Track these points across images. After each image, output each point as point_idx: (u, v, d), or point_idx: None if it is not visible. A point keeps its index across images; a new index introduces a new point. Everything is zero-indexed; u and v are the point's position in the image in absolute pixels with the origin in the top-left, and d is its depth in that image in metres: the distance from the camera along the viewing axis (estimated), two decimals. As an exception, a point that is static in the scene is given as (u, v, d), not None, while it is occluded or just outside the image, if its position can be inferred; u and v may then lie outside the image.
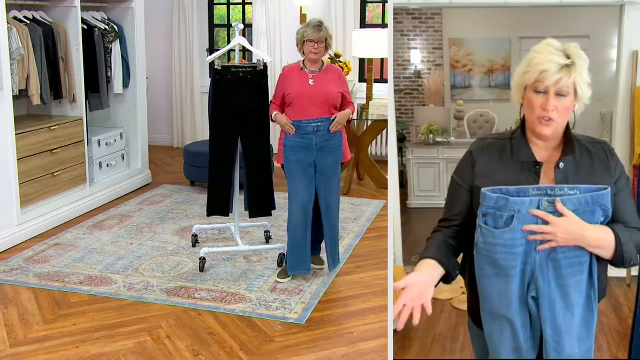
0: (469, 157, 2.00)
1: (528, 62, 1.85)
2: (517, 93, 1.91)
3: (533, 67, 1.83)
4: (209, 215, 4.58)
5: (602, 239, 1.82)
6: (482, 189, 1.85)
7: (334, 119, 4.03)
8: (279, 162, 4.19)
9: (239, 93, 4.32)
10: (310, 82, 4.04)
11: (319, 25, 4.01)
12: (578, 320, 1.85)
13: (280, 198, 5.24)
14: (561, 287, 1.83)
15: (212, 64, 4.40)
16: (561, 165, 1.86)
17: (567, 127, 1.89)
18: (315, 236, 4.25)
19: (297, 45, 4.10)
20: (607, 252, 1.83)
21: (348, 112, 4.11)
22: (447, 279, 1.96)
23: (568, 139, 1.89)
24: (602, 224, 1.84)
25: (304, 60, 4.11)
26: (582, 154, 1.89)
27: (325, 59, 4.23)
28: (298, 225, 4.11)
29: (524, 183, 1.86)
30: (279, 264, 4.45)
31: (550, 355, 1.86)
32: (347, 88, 4.19)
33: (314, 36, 3.98)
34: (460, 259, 2.06)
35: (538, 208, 1.81)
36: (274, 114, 4.11)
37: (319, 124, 4.01)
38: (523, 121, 1.92)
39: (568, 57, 1.81)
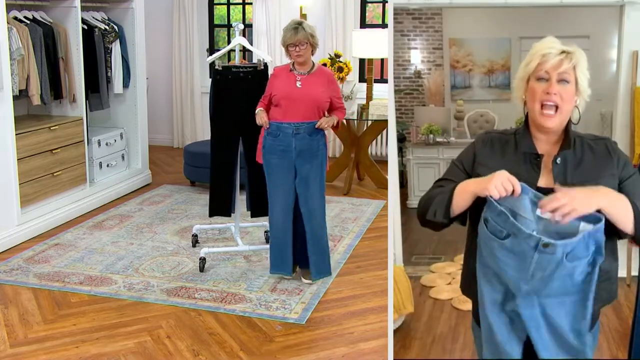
0: (471, 146, 2.04)
1: (530, 54, 1.90)
2: (520, 88, 1.94)
3: (534, 54, 1.88)
4: (211, 215, 4.59)
5: (619, 197, 1.79)
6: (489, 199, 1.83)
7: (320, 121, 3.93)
8: (258, 160, 4.11)
9: (240, 93, 4.32)
10: (298, 84, 3.95)
11: (296, 27, 3.89)
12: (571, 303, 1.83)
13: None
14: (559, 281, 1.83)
15: (212, 64, 4.40)
16: (558, 160, 1.89)
17: (568, 123, 1.91)
18: (302, 248, 4.15)
19: (284, 51, 4.03)
20: (625, 214, 1.78)
21: (333, 118, 4.01)
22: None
23: (567, 133, 1.91)
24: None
25: (293, 62, 4.01)
26: (584, 150, 1.91)
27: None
28: (278, 229, 4.07)
29: (525, 175, 1.87)
30: None
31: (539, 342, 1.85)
32: (337, 92, 4.09)
33: (292, 39, 3.89)
34: (463, 258, 2.07)
35: (534, 203, 1.82)
36: (258, 110, 4.02)
37: (299, 126, 3.92)
38: (527, 117, 1.95)
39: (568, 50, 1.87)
